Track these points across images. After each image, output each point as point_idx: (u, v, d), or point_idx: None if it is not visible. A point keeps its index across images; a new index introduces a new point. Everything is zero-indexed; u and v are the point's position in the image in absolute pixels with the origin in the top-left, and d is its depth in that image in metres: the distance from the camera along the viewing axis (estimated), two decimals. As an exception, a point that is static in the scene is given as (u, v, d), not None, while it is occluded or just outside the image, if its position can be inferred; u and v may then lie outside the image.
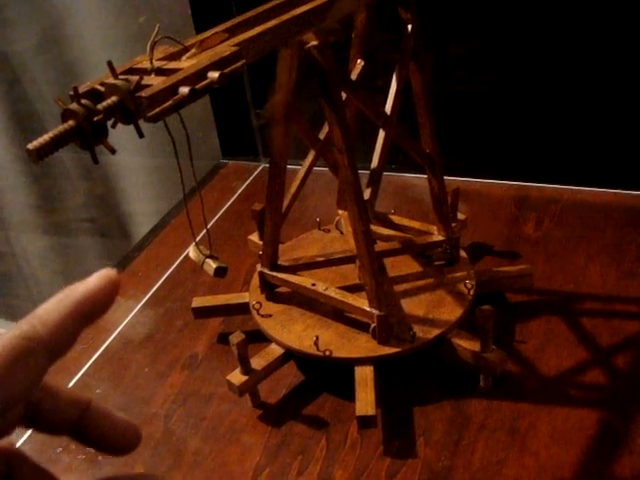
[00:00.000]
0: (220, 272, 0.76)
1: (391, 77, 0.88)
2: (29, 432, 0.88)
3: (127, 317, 1.05)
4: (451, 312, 0.87)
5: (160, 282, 1.11)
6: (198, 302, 0.97)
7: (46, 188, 1.76)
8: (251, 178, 1.37)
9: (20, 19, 1.52)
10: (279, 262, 0.92)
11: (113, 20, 1.45)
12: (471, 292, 0.89)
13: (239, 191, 1.34)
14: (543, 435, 0.78)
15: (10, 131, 1.68)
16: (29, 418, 0.39)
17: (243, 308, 0.95)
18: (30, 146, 0.51)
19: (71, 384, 0.94)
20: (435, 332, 0.84)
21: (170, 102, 0.54)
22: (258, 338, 0.90)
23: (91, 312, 0.39)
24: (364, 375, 0.81)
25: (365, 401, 0.79)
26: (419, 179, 1.22)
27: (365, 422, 0.78)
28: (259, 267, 0.93)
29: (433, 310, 0.87)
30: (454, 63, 1.21)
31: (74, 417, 0.40)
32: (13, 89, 1.63)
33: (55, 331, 0.37)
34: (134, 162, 1.58)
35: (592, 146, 1.17)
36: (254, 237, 1.06)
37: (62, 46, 1.52)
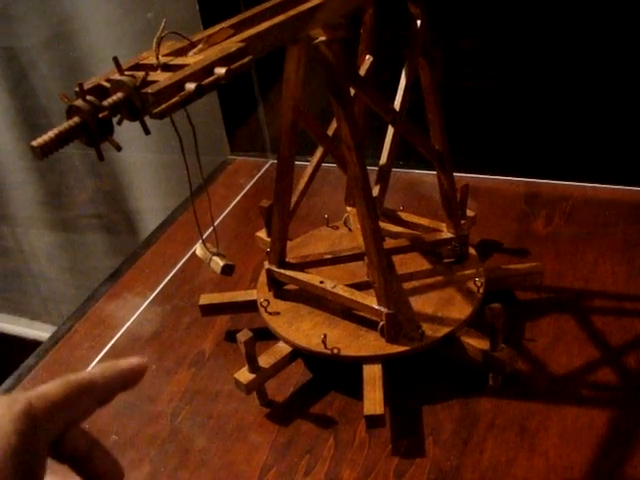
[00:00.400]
0: (227, 270, 0.75)
1: (400, 72, 0.87)
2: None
3: (134, 314, 1.04)
4: (460, 310, 0.86)
5: (167, 279, 1.10)
6: (205, 299, 0.96)
7: (53, 184, 1.76)
8: (259, 174, 1.37)
9: (28, 15, 1.51)
10: (287, 259, 0.92)
11: (121, 15, 1.44)
12: (480, 290, 0.88)
13: (247, 187, 1.33)
14: (553, 435, 0.77)
15: (18, 127, 1.68)
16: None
17: (251, 305, 0.94)
18: (34, 143, 0.50)
19: (78, 382, 0.94)
20: (444, 330, 0.83)
21: (176, 98, 0.53)
22: (266, 336, 0.89)
23: (127, 381, 0.50)
24: (372, 374, 0.81)
25: (373, 400, 0.78)
26: (427, 175, 1.21)
27: (373, 421, 0.77)
28: (267, 264, 0.92)
29: (442, 308, 0.86)
30: (463, 58, 1.20)
31: (84, 450, 0.47)
32: (21, 85, 1.62)
33: (104, 385, 0.48)
34: (141, 158, 1.57)
35: (603, 142, 1.16)
36: (262, 234, 1.05)
37: (70, 42, 1.51)
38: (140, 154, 1.56)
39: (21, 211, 1.85)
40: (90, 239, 1.80)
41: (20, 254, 1.95)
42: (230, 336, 0.96)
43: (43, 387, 0.46)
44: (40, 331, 2.03)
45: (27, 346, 1.80)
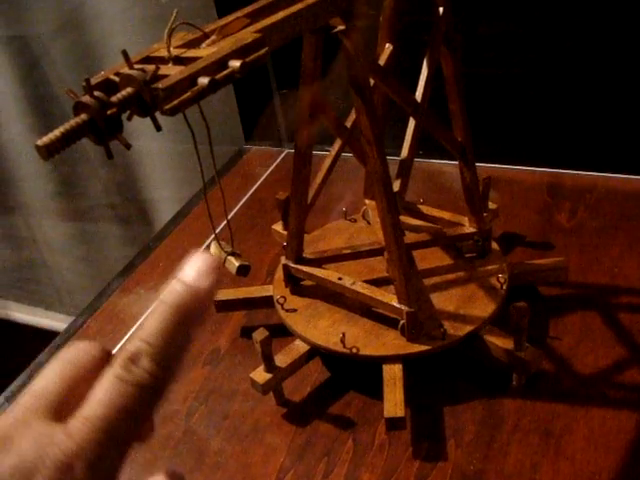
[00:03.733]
0: (243, 270, 0.73)
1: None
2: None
3: (148, 310, 1.02)
4: (483, 308, 0.83)
5: (181, 273, 1.08)
6: (220, 295, 0.94)
7: (67, 174, 1.74)
8: (275, 164, 1.34)
9: (40, 2, 1.49)
10: (304, 255, 0.89)
11: (134, 1, 1.42)
12: (504, 287, 0.86)
13: (262, 177, 1.31)
14: (579, 438, 0.75)
15: (30, 117, 1.66)
16: None
17: (267, 301, 0.92)
18: (39, 142, 0.47)
19: (91, 379, 0.92)
20: (467, 329, 0.81)
21: (189, 94, 0.51)
22: (282, 332, 0.87)
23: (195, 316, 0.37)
24: (392, 374, 0.78)
25: (394, 402, 0.75)
26: (447, 165, 1.19)
27: (394, 424, 0.75)
28: (283, 259, 0.90)
29: (464, 305, 0.84)
30: (484, 44, 1.17)
31: None
32: (32, 73, 1.60)
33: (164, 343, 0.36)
34: (155, 148, 1.55)
35: (628, 131, 1.13)
36: (278, 227, 1.03)
37: (82, 28, 1.49)
38: (154, 143, 1.54)
39: (35, 201, 1.83)
40: (104, 229, 1.79)
41: (34, 244, 1.94)
42: (246, 332, 0.94)
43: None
44: (54, 321, 2.02)
45: (41, 335, 1.79)
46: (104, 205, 1.75)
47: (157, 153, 1.57)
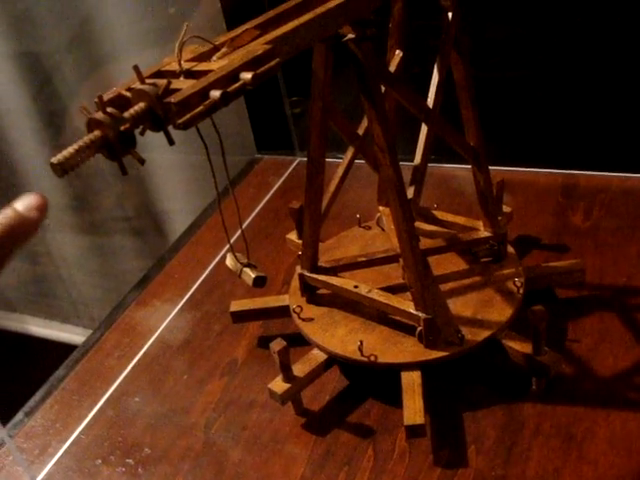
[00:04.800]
0: (259, 282, 0.73)
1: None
2: (67, 444, 0.86)
3: (164, 322, 1.02)
4: (500, 312, 0.83)
5: (197, 284, 1.08)
6: (236, 306, 0.94)
7: (80, 187, 1.75)
8: (287, 173, 1.34)
9: (50, 17, 1.50)
10: (319, 263, 0.89)
11: (143, 12, 1.42)
12: (520, 290, 0.85)
13: (276, 186, 1.31)
14: (601, 441, 0.74)
15: (42, 132, 1.67)
16: None
17: (283, 311, 0.92)
18: (54, 160, 0.48)
19: (109, 392, 0.93)
20: (485, 334, 0.81)
21: (201, 108, 0.51)
22: (299, 342, 0.87)
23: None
24: (411, 381, 0.78)
25: (413, 409, 0.75)
26: (460, 170, 1.18)
27: (414, 431, 0.75)
28: (299, 269, 0.90)
29: (481, 310, 0.84)
30: (493, 47, 1.17)
31: None
32: (44, 89, 1.61)
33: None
34: (168, 159, 1.56)
35: (641, 130, 1.12)
36: (292, 236, 1.03)
37: (92, 42, 1.50)
38: (167, 155, 1.54)
39: (50, 216, 1.84)
40: (118, 242, 1.79)
41: (49, 258, 1.95)
42: (262, 342, 0.94)
43: None
44: (71, 334, 2.03)
45: (58, 349, 1.80)
46: (117, 218, 1.75)
47: (169, 165, 1.58)
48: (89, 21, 1.47)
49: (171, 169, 1.59)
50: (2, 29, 1.56)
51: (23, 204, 0.45)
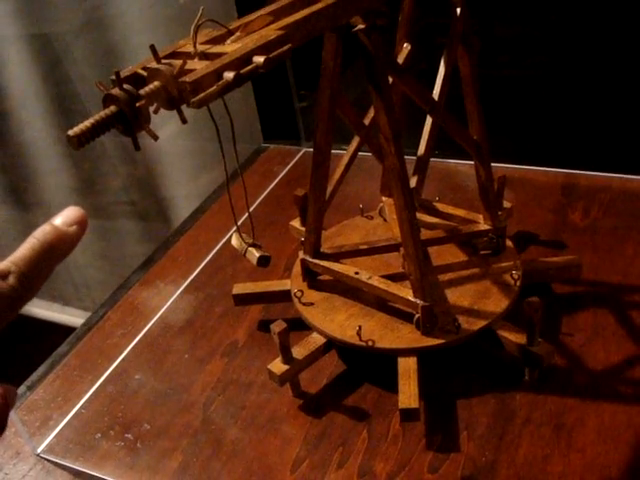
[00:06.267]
0: (263, 261, 0.75)
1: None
2: (67, 419, 0.88)
3: (167, 302, 1.04)
4: (497, 303, 0.85)
5: (200, 267, 1.10)
6: (239, 289, 0.96)
7: (86, 171, 1.76)
8: (293, 162, 1.36)
9: (62, 0, 1.51)
10: (322, 249, 0.91)
11: (154, 0, 1.44)
12: (517, 283, 0.87)
13: (280, 175, 1.32)
14: (590, 431, 0.76)
15: (51, 114, 1.68)
16: None
17: (284, 295, 0.94)
18: (71, 132, 0.49)
19: (110, 369, 0.94)
20: (480, 324, 0.82)
21: (214, 87, 0.53)
22: (299, 326, 0.88)
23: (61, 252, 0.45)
24: (407, 366, 0.80)
25: (408, 393, 0.77)
26: (462, 165, 1.20)
27: (408, 415, 0.76)
28: (301, 254, 0.91)
29: (478, 301, 0.85)
30: (499, 45, 1.19)
31: None
32: (55, 71, 1.62)
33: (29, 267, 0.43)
34: (174, 145, 1.57)
35: (642, 133, 1.14)
36: (296, 223, 1.04)
37: (103, 27, 1.51)
38: (173, 140, 1.55)
39: (55, 197, 1.85)
40: (122, 226, 1.81)
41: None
42: (263, 326, 0.96)
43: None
44: (72, 316, 2.04)
45: (59, 331, 1.81)
46: (123, 202, 1.77)
47: (175, 150, 1.59)
48: (101, 6, 1.49)
49: (175, 155, 1.60)
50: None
51: (62, 219, 0.46)
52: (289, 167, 1.34)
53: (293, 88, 1.37)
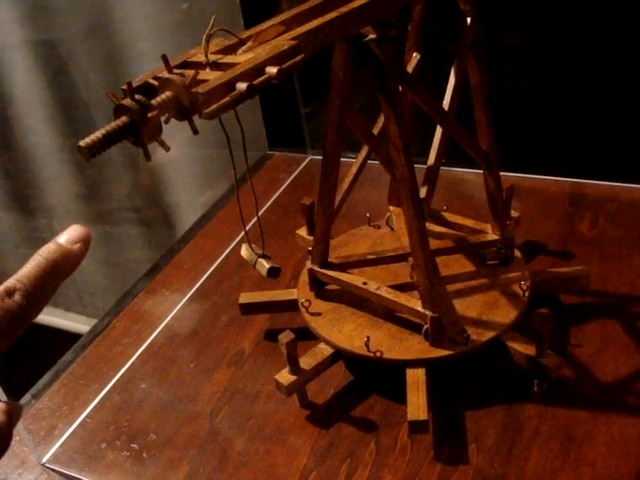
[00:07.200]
0: (273, 272, 0.74)
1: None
2: (73, 428, 0.88)
3: (172, 311, 1.03)
4: (505, 314, 0.84)
5: (206, 275, 1.10)
6: (245, 298, 0.95)
7: (91, 177, 1.76)
8: (298, 170, 1.35)
9: (67, 6, 1.51)
10: (329, 259, 0.90)
11: (158, 7, 1.43)
12: (526, 294, 0.86)
13: (286, 183, 1.32)
14: (600, 444, 0.75)
15: (56, 120, 1.68)
16: None
17: (291, 305, 0.93)
18: (82, 143, 0.49)
19: (116, 378, 0.94)
20: (489, 335, 0.82)
21: (227, 99, 0.52)
22: (305, 335, 0.88)
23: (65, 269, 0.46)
24: (416, 378, 0.79)
25: (417, 405, 0.76)
26: (470, 174, 1.20)
27: (416, 427, 0.76)
28: (308, 264, 0.91)
29: (487, 312, 0.85)
30: (506, 54, 1.18)
31: None
32: (59, 77, 1.62)
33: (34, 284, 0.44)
34: (180, 152, 1.57)
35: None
36: (302, 232, 1.04)
37: (108, 34, 1.51)
38: (179, 148, 1.55)
39: (59, 203, 1.85)
40: (127, 232, 1.80)
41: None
42: (270, 335, 0.95)
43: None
44: (74, 322, 2.03)
45: (61, 337, 1.80)
46: (127, 209, 1.76)
47: (181, 158, 1.59)
48: (105, 13, 1.49)
49: (182, 162, 1.60)
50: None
51: (66, 237, 0.47)
52: (295, 175, 1.34)
53: (299, 95, 1.36)
